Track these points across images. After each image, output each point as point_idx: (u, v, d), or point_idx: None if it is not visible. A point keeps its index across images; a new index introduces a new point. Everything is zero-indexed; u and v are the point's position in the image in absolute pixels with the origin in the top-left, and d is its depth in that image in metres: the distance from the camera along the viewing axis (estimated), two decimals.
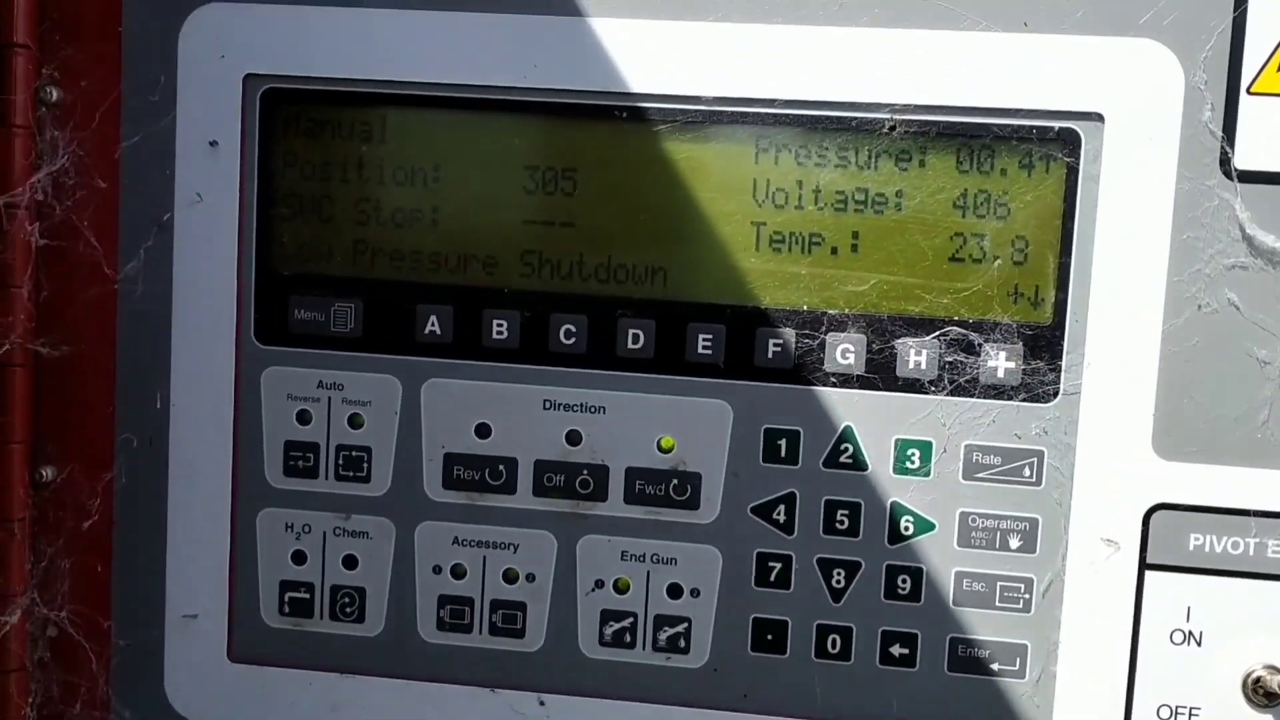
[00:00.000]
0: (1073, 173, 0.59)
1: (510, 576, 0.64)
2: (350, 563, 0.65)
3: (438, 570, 0.65)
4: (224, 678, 0.66)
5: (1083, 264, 0.59)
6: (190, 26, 0.64)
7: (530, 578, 0.64)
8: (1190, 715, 0.60)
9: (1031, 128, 0.59)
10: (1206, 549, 0.59)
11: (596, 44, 0.61)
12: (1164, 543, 0.59)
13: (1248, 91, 0.57)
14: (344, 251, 0.64)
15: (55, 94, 0.64)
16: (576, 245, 0.63)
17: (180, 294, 0.65)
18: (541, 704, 0.64)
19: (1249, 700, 0.59)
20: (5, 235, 0.63)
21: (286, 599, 0.66)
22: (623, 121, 0.62)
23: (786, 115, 0.60)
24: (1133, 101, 0.58)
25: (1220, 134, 0.57)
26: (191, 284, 0.65)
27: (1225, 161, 0.57)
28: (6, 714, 0.66)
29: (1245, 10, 0.57)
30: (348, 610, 0.65)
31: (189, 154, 0.64)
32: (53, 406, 0.66)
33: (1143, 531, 0.59)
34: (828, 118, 0.60)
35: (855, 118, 0.60)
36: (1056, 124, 0.59)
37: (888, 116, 0.60)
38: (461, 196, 0.63)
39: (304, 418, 0.65)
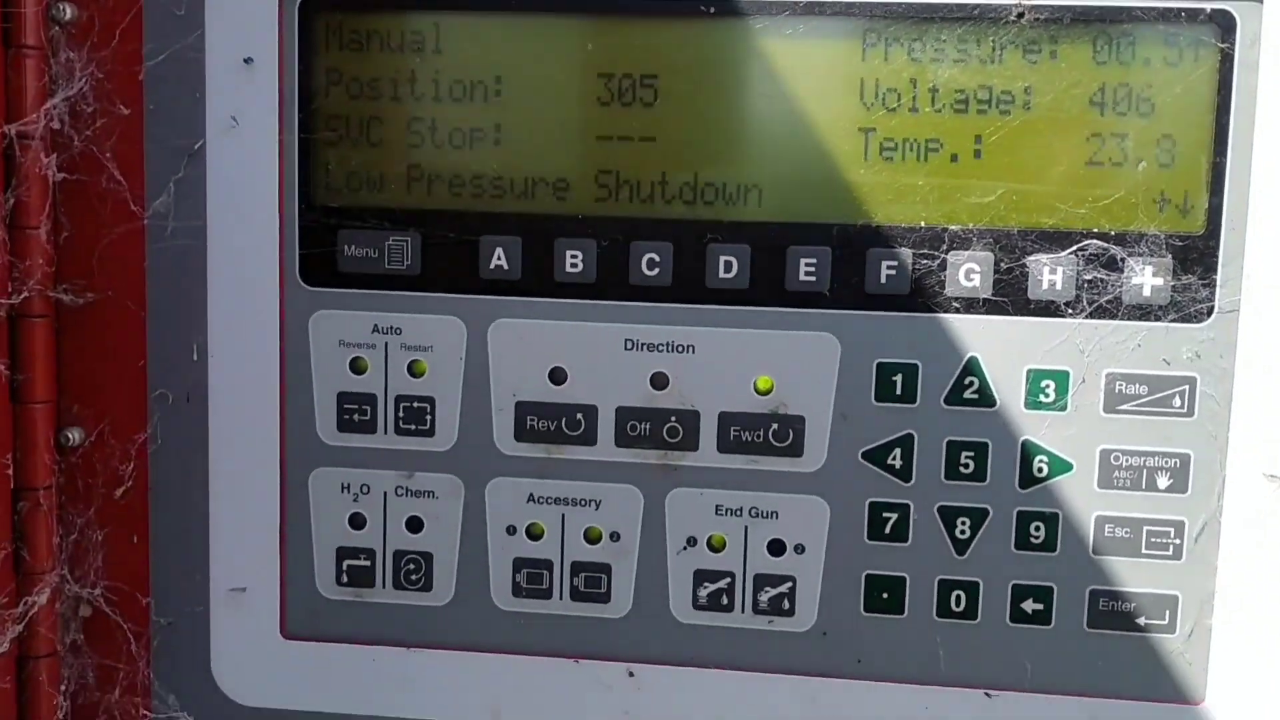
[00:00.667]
0: (1227, 60, 0.50)
1: (592, 536, 0.56)
2: (415, 525, 0.57)
3: (512, 531, 0.57)
4: (277, 656, 0.58)
5: (1240, 165, 0.50)
6: None
7: (615, 537, 0.56)
8: None
9: (1179, 10, 0.50)
10: None
11: None
12: None
13: None
14: (397, 179, 0.56)
15: (69, 11, 0.55)
16: (659, 163, 0.54)
17: (216, 231, 0.56)
18: (631, 675, 0.56)
19: None
20: (18, 169, 0.54)
21: (345, 567, 0.58)
22: (709, 17, 0.53)
23: (897, 5, 0.52)
24: None
25: None
26: (228, 220, 0.56)
27: None
28: (38, 704, 0.58)
29: None
30: (413, 578, 0.58)
31: (220, 74, 0.55)
32: (77, 361, 0.57)
33: None
34: (945, 5, 0.52)
35: (976, 4, 0.51)
36: (1208, 5, 0.50)
37: (1014, 2, 0.51)
38: (527, 112, 0.55)
39: (358, 366, 0.57)
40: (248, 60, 0.55)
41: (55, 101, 0.55)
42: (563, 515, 0.56)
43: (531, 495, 0.56)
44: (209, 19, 0.55)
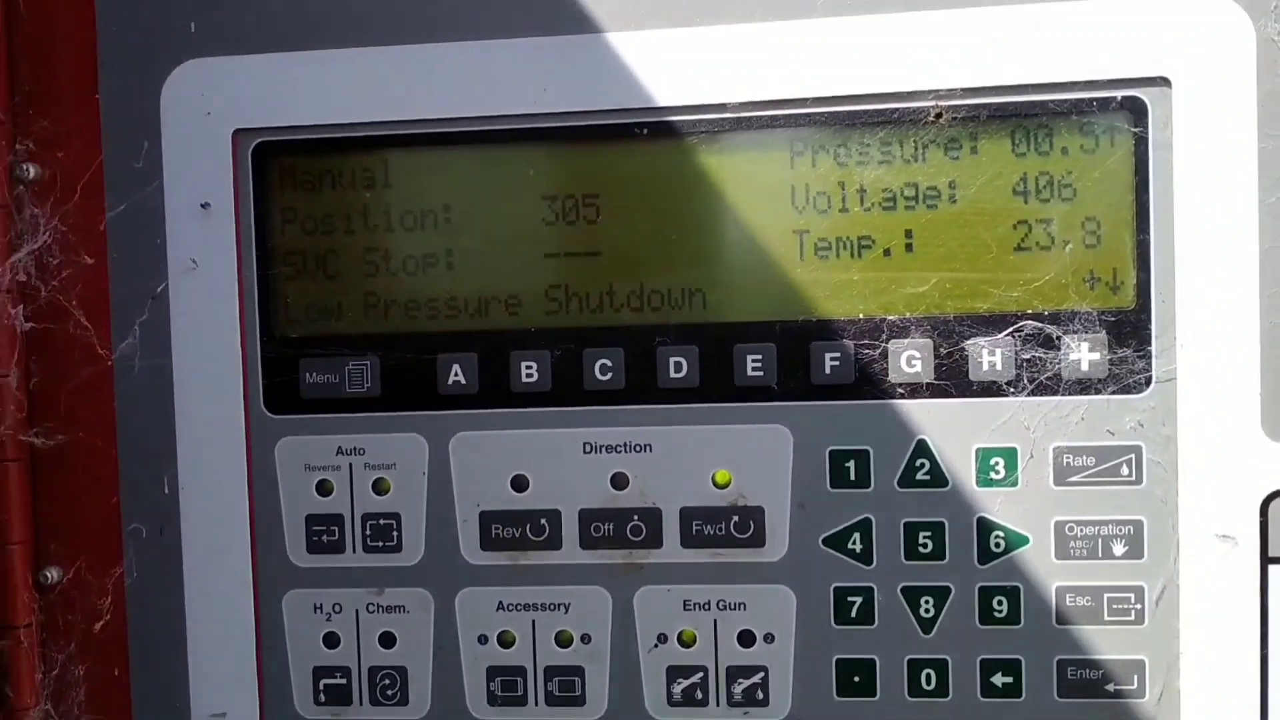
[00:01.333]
0: (1142, 143, 0.45)
1: (564, 640, 0.49)
2: (388, 641, 0.50)
3: (484, 640, 0.49)
4: None
5: (1163, 239, 0.45)
6: (171, 85, 0.49)
7: (586, 639, 0.49)
8: None
9: (1091, 100, 0.45)
10: None
11: (608, 60, 0.47)
12: None
13: None
14: (354, 307, 0.49)
15: (32, 170, 0.50)
16: (605, 275, 0.48)
17: (181, 368, 0.50)
18: None
19: None
20: None
21: (321, 686, 0.50)
22: (644, 139, 0.48)
23: (821, 114, 0.47)
24: (1201, 62, 0.44)
25: None
26: (192, 356, 0.50)
27: None
28: None
29: None
30: (389, 693, 0.50)
31: (179, 219, 0.50)
32: (52, 502, 0.51)
33: (1261, 522, 0.45)
34: (866, 112, 0.46)
35: (896, 109, 0.46)
36: (1119, 93, 0.45)
37: (932, 104, 0.46)
38: (476, 236, 0.49)
39: (324, 488, 0.50)
40: (205, 205, 0.49)
41: (21, 255, 0.49)
42: (533, 621, 0.49)
43: (501, 603, 0.49)
44: (167, 169, 0.50)
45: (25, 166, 0.50)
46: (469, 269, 0.49)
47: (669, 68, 0.47)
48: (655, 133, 0.47)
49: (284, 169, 0.50)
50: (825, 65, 0.46)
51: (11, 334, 0.49)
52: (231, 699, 0.50)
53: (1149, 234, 0.45)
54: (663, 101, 0.47)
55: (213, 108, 0.49)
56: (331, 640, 0.50)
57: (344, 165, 0.49)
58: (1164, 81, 0.44)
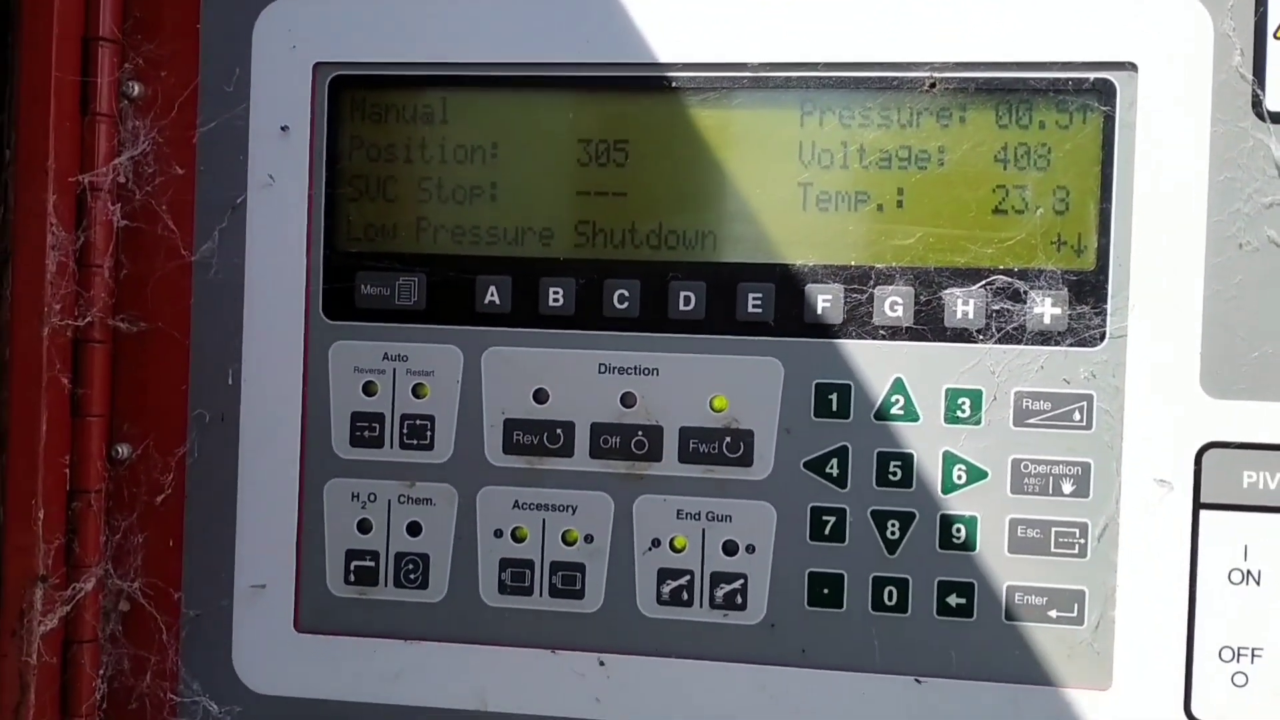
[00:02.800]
0: (1109, 122, 0.58)
1: (569, 538, 0.63)
2: (414, 530, 0.65)
3: (499, 534, 0.64)
4: (290, 648, 0.65)
5: (1123, 210, 0.58)
6: (263, 20, 0.65)
7: (589, 539, 0.63)
8: (1253, 656, 0.57)
9: (1067, 80, 0.59)
10: (1261, 486, 0.57)
11: (644, 18, 0.62)
12: (1217, 481, 0.57)
13: (1274, 36, 0.57)
14: (407, 228, 0.65)
15: (137, 88, 0.66)
16: (629, 214, 0.63)
17: (252, 273, 0.65)
18: (601, 664, 0.63)
19: None
20: (88, 214, 0.64)
21: (352, 568, 0.65)
22: (672, 91, 0.62)
23: (830, 78, 0.61)
24: (1164, 50, 0.58)
25: (1251, 78, 0.57)
26: (263, 263, 0.65)
27: (1257, 104, 0.57)
28: (79, 685, 0.65)
29: None
30: (411, 577, 0.65)
31: (261, 139, 0.65)
32: (130, 384, 0.66)
33: (1195, 471, 0.57)
34: (870, 79, 0.60)
35: (896, 77, 0.60)
36: (1091, 75, 0.58)
37: (927, 75, 0.60)
38: (519, 172, 0.64)
39: (370, 389, 0.65)
40: (284, 128, 0.64)
41: (122, 160, 0.65)
42: (544, 520, 0.63)
43: (516, 501, 0.63)
44: (254, 94, 0.65)
45: (131, 84, 0.66)
46: (509, 201, 0.64)
47: (698, 28, 0.61)
48: (682, 86, 0.62)
49: (355, 101, 0.65)
50: (836, 33, 0.60)
51: (109, 229, 0.65)
52: (272, 573, 0.65)
53: (1111, 204, 0.58)
54: (691, 59, 0.61)
55: (297, 42, 0.65)
56: (364, 526, 0.65)
57: (407, 100, 0.64)
58: (1132, 67, 0.58)
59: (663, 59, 0.62)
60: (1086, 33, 0.58)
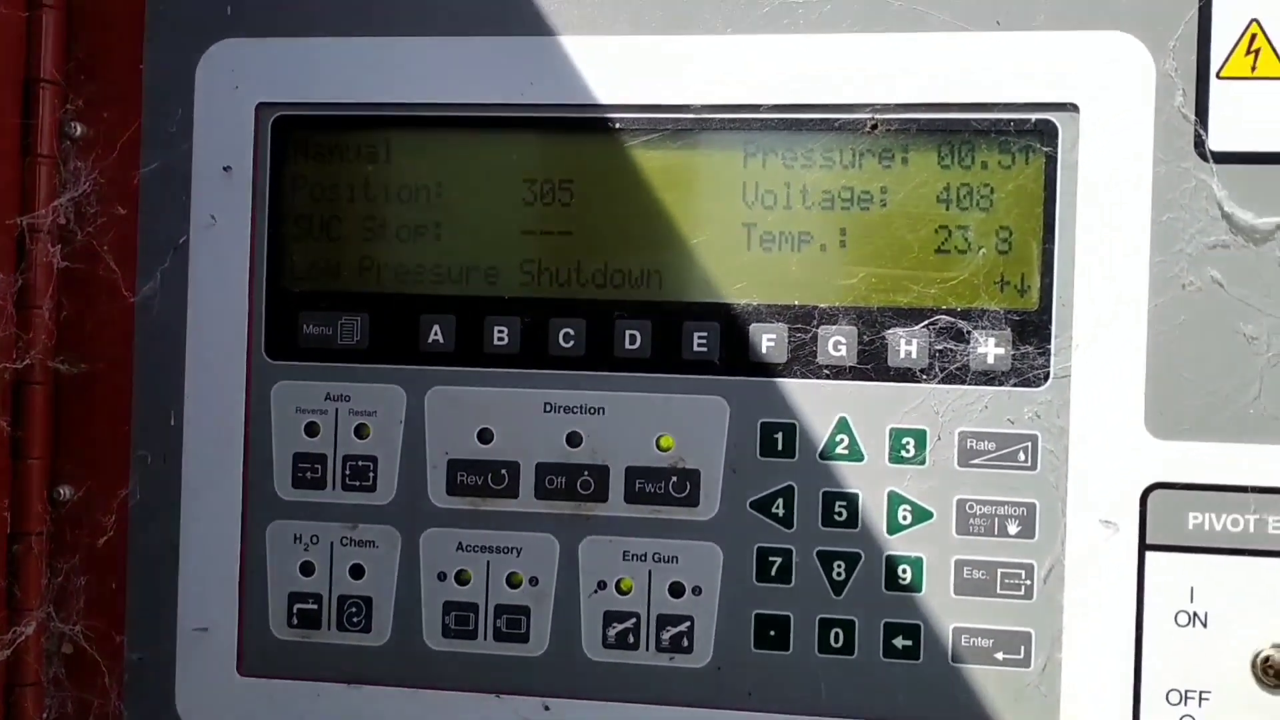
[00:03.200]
0: (1051, 162, 0.58)
1: (514, 581, 0.63)
2: (357, 572, 0.64)
3: (442, 577, 0.63)
4: (233, 691, 0.64)
5: (1066, 250, 0.58)
6: (206, 61, 0.65)
7: (534, 581, 0.62)
8: (1200, 699, 0.56)
9: (1009, 121, 0.58)
10: (1206, 527, 0.56)
11: (588, 60, 0.62)
12: (1163, 522, 0.57)
13: (1217, 76, 0.57)
14: (351, 268, 0.64)
15: (79, 128, 0.65)
16: (574, 252, 0.62)
17: (194, 313, 0.64)
18: (546, 709, 0.62)
19: (1259, 681, 0.56)
20: (28, 256, 0.63)
21: (295, 610, 0.64)
22: (616, 132, 0.62)
23: (772, 120, 0.60)
24: (1106, 91, 0.57)
25: (1193, 118, 0.57)
26: (205, 303, 0.64)
27: (1200, 144, 0.57)
28: None
29: None
30: (354, 620, 0.64)
31: (204, 180, 0.64)
32: (71, 425, 0.66)
33: (1141, 512, 0.57)
34: (812, 120, 0.60)
35: (838, 119, 0.60)
36: (1033, 116, 0.58)
37: (869, 116, 0.59)
38: (463, 211, 0.63)
39: (312, 430, 0.64)
40: (227, 168, 0.64)
41: (63, 201, 0.64)
42: (488, 562, 0.62)
43: (460, 544, 0.62)
44: (196, 134, 0.65)
45: (73, 124, 0.65)
46: (454, 240, 0.63)
47: (641, 70, 0.61)
48: (626, 127, 0.61)
49: (299, 140, 0.64)
50: (778, 76, 0.60)
51: (49, 270, 0.64)
52: (215, 616, 0.64)
53: (1053, 244, 0.58)
54: (634, 100, 0.61)
55: (240, 82, 0.64)
56: (307, 569, 0.64)
57: (351, 140, 0.64)
58: (1074, 108, 0.58)
59: (607, 100, 0.61)
60: (1028, 74, 0.58)
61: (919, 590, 0.59)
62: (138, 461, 0.65)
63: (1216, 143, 0.56)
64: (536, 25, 0.62)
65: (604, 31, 0.61)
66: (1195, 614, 0.57)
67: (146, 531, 0.65)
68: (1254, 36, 0.56)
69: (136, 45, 0.65)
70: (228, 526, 0.64)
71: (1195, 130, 0.57)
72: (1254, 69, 0.56)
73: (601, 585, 0.62)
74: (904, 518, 0.59)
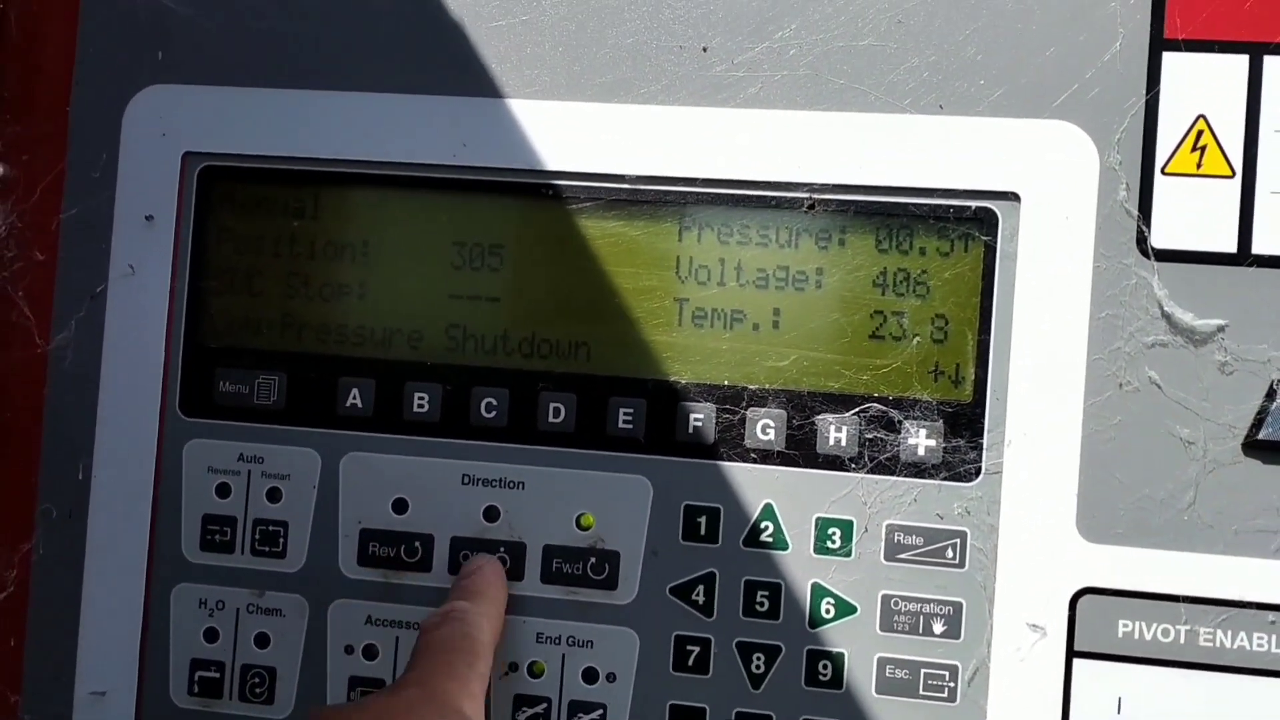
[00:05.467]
0: (990, 251, 0.56)
1: None
2: (262, 641, 0.60)
3: (350, 650, 0.60)
4: None
5: (1002, 342, 0.55)
6: (134, 106, 0.62)
7: None
8: None
9: (949, 207, 0.56)
10: (1136, 636, 0.54)
11: (524, 124, 0.59)
12: (1092, 629, 0.54)
13: (1162, 172, 0.54)
14: (271, 325, 0.61)
15: (0, 170, 0.62)
16: (501, 320, 0.59)
17: (108, 365, 0.61)
18: None
19: None
20: None
21: (197, 678, 0.61)
22: (549, 199, 0.59)
23: (709, 194, 0.58)
24: (1049, 182, 0.55)
25: (1136, 214, 0.54)
26: (120, 355, 0.61)
27: (1142, 240, 0.54)
28: None
29: (1158, 92, 0.54)
30: (257, 691, 0.60)
31: (125, 228, 0.62)
32: None
33: (1070, 617, 0.54)
34: (749, 196, 0.57)
35: (776, 197, 0.57)
36: (973, 203, 0.56)
37: (807, 196, 0.57)
38: (390, 272, 0.61)
39: (223, 491, 0.61)
40: (149, 217, 0.61)
41: None
42: (397, 637, 0.59)
43: (370, 617, 0.59)
44: (120, 181, 0.62)
45: None
46: (378, 301, 0.60)
47: (577, 137, 0.58)
48: (559, 194, 0.59)
49: (225, 192, 0.61)
50: (717, 150, 0.57)
51: None
52: (114, 680, 0.61)
53: (990, 335, 0.55)
54: (569, 167, 0.58)
55: (168, 130, 0.61)
56: (211, 635, 0.61)
57: (278, 194, 0.61)
58: (1015, 197, 0.55)
59: (542, 166, 0.59)
60: (970, 160, 0.55)
61: (840, 687, 0.56)
62: (43, 515, 0.62)
63: (1159, 240, 0.54)
64: (473, 86, 0.59)
65: (542, 96, 0.59)
66: None
67: (48, 589, 0.61)
68: (1200, 133, 0.54)
69: (65, 88, 0.62)
70: (131, 587, 0.61)
71: (1138, 226, 0.54)
72: (1199, 166, 0.54)
73: (514, 667, 0.59)
74: (827, 611, 0.56)
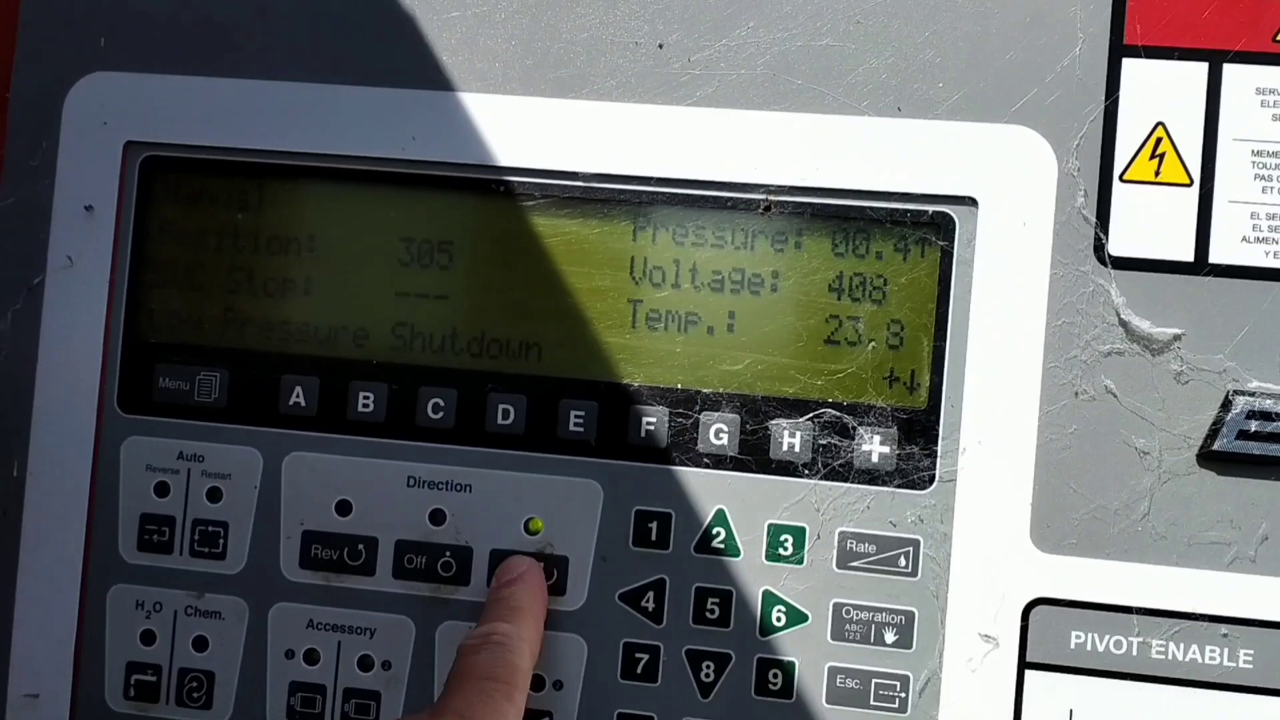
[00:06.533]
0: (947, 257, 0.55)
1: (365, 664, 0.57)
2: (201, 644, 0.58)
3: (290, 655, 0.58)
4: None
5: (957, 349, 0.54)
6: (76, 93, 0.60)
7: (386, 665, 0.57)
8: None
9: (906, 211, 0.55)
10: (1089, 647, 0.53)
11: (474, 118, 0.57)
12: (1044, 640, 0.53)
13: (1120, 179, 0.53)
14: (213, 320, 0.59)
15: None
16: (450, 318, 0.58)
17: (45, 359, 0.59)
18: None
19: None
20: None
21: (133, 681, 0.59)
22: (500, 195, 0.57)
23: (664, 194, 0.56)
24: (1006, 187, 0.54)
25: (1094, 220, 0.53)
26: (58, 349, 0.59)
27: (1099, 248, 0.53)
28: None
29: (1117, 99, 0.53)
30: (195, 695, 0.58)
31: (64, 218, 0.59)
32: None
33: (1022, 627, 0.53)
34: (704, 197, 0.56)
35: (731, 198, 0.56)
36: (930, 208, 0.55)
37: (763, 198, 0.56)
38: (335, 267, 0.59)
39: (162, 490, 0.59)
40: (89, 208, 0.59)
41: None
42: (339, 642, 0.57)
43: (311, 621, 0.58)
44: (60, 169, 0.59)
45: None
46: (323, 298, 0.58)
47: (529, 133, 0.57)
48: (511, 191, 0.57)
49: (167, 183, 0.59)
50: (672, 149, 0.56)
51: None
52: (47, 683, 0.59)
53: (945, 342, 0.54)
54: (521, 163, 0.57)
55: (109, 118, 0.59)
56: (148, 638, 0.59)
57: (221, 186, 0.59)
58: (972, 202, 0.54)
59: (493, 161, 0.57)
60: (927, 164, 0.54)
61: (790, 697, 0.55)
62: None
63: (1116, 247, 0.53)
64: (424, 79, 0.58)
65: (494, 90, 0.57)
66: None
67: None
68: (1159, 140, 0.53)
69: (4, 73, 0.60)
70: (66, 588, 0.59)
71: (1095, 233, 0.53)
72: (1157, 174, 0.53)
73: None
74: (778, 619, 0.55)
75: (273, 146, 0.58)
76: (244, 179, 0.59)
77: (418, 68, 0.57)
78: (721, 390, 0.56)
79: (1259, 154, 0.53)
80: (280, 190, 0.59)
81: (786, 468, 0.55)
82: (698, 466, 0.56)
